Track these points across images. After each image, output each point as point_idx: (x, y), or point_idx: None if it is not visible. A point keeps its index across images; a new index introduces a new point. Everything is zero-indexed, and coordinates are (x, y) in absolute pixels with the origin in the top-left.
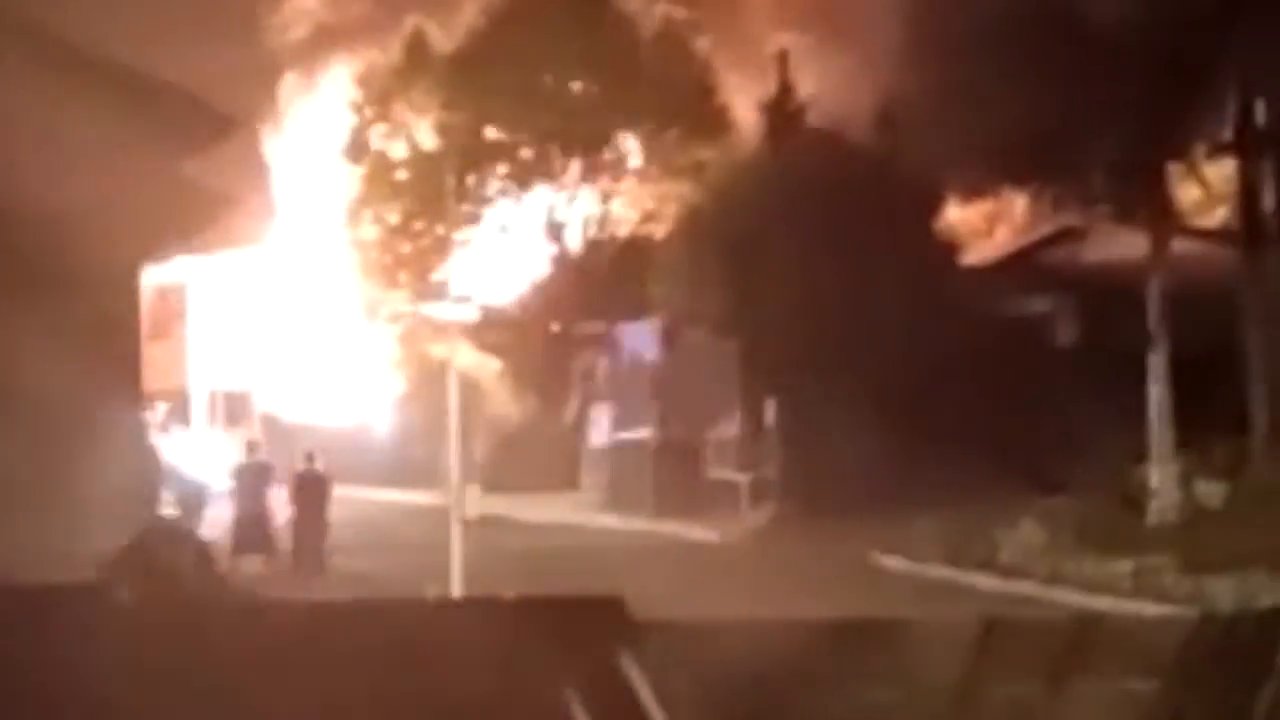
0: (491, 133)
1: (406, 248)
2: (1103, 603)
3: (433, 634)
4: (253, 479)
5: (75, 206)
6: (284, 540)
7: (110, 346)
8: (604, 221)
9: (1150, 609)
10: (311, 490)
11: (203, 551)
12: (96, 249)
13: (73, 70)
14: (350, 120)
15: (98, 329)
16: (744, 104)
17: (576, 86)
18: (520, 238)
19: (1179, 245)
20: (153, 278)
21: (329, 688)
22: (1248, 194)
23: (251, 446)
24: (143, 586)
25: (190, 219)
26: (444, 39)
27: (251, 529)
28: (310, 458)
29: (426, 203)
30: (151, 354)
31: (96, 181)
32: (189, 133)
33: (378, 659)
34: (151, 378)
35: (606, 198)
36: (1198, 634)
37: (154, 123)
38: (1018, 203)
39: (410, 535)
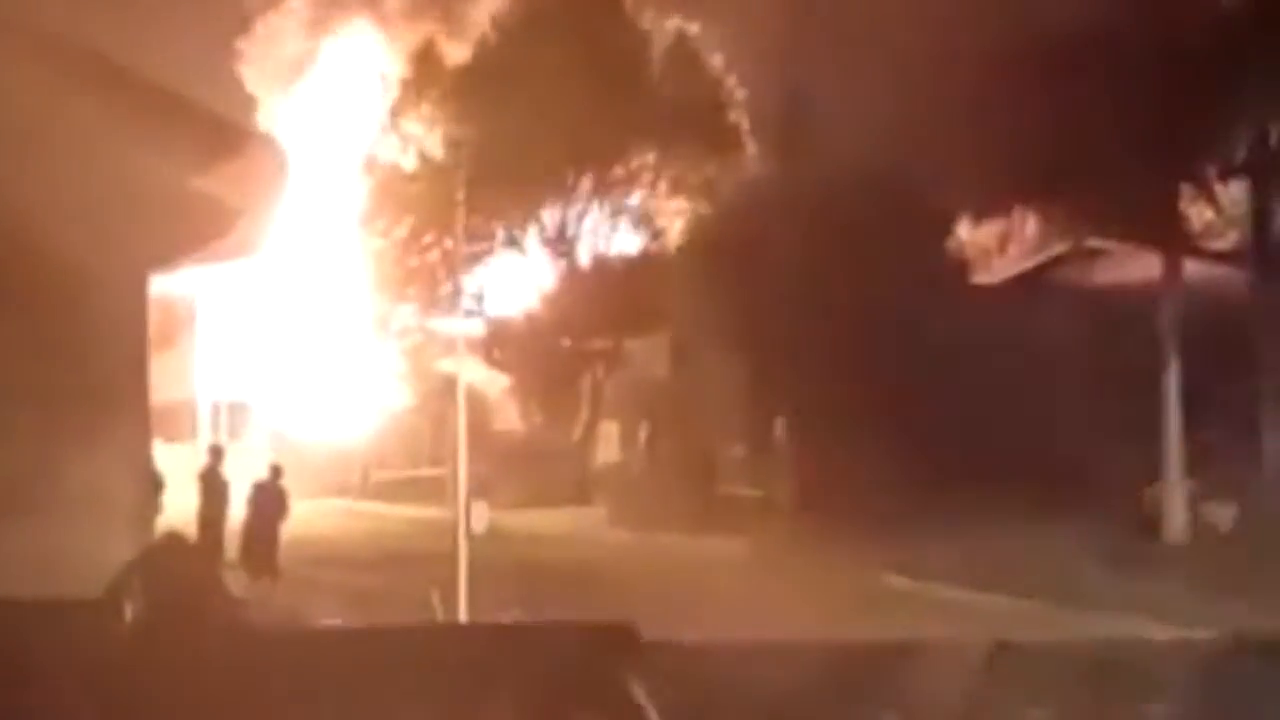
0: (502, 146)
1: (415, 261)
2: (1113, 624)
3: (442, 659)
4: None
5: (85, 215)
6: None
7: (118, 356)
8: (614, 237)
9: (1161, 631)
10: (268, 501)
11: (212, 569)
12: (106, 258)
13: (86, 79)
14: (360, 132)
15: (106, 338)
16: (755, 120)
17: (588, 101)
18: (530, 252)
19: (1191, 267)
20: (161, 288)
21: (336, 714)
22: (1260, 216)
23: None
24: (149, 604)
25: (200, 231)
26: (455, 51)
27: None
28: (276, 470)
29: (436, 216)
30: (158, 364)
31: (107, 191)
32: (203, 145)
33: (386, 684)
34: (158, 388)
35: (617, 213)
36: (1212, 658)
37: (167, 134)
38: (1029, 222)
39: (417, 550)
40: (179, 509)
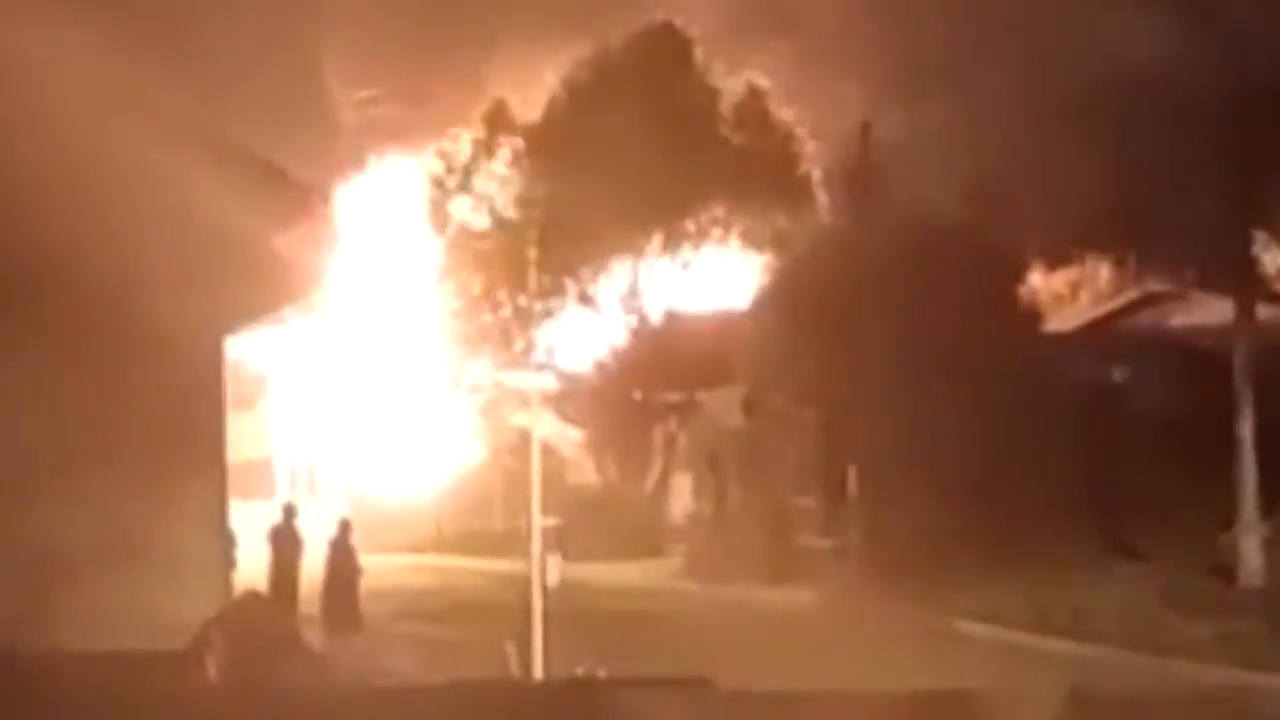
0: (573, 203)
1: (488, 318)
2: (1188, 668)
3: (521, 715)
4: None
5: (163, 277)
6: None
7: (197, 416)
8: (685, 290)
9: (1237, 675)
10: (342, 557)
11: (290, 625)
12: (182, 320)
13: (162, 142)
14: (432, 192)
15: (183, 399)
16: (826, 173)
17: (658, 156)
18: (602, 307)
19: (1264, 311)
20: (237, 348)
21: None
22: None
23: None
24: (230, 658)
25: (275, 292)
26: (525, 110)
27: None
28: (346, 526)
29: (508, 273)
30: (235, 423)
31: (184, 253)
32: (276, 207)
33: None
34: (235, 447)
35: (688, 267)
36: None
37: (242, 196)
38: (1101, 269)
39: (492, 603)
40: (255, 566)
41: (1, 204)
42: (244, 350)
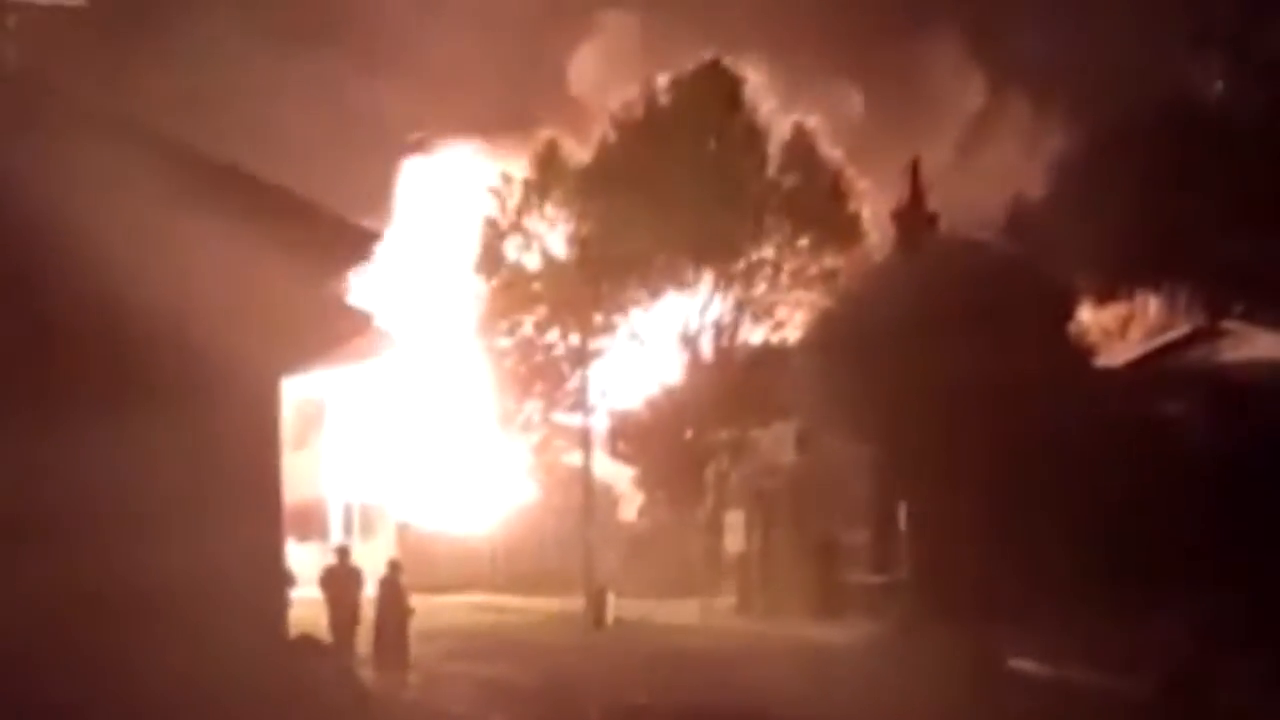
0: (624, 243)
1: (540, 357)
2: (1250, 704)
3: None
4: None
5: (220, 321)
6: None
7: (253, 457)
8: (736, 329)
9: None
10: (393, 597)
11: (345, 666)
12: (240, 362)
13: (220, 189)
14: (484, 232)
15: (241, 440)
16: (876, 211)
17: (708, 196)
18: (653, 346)
19: None
20: (291, 390)
21: None
22: None
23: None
24: (286, 700)
25: (330, 334)
26: (576, 151)
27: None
28: (395, 566)
29: (560, 312)
30: (290, 465)
31: (241, 296)
32: (333, 251)
33: None
34: (290, 488)
35: (739, 305)
36: None
37: (298, 241)
38: (1151, 304)
39: (546, 640)
40: (310, 607)
41: (65, 267)
42: (299, 391)
